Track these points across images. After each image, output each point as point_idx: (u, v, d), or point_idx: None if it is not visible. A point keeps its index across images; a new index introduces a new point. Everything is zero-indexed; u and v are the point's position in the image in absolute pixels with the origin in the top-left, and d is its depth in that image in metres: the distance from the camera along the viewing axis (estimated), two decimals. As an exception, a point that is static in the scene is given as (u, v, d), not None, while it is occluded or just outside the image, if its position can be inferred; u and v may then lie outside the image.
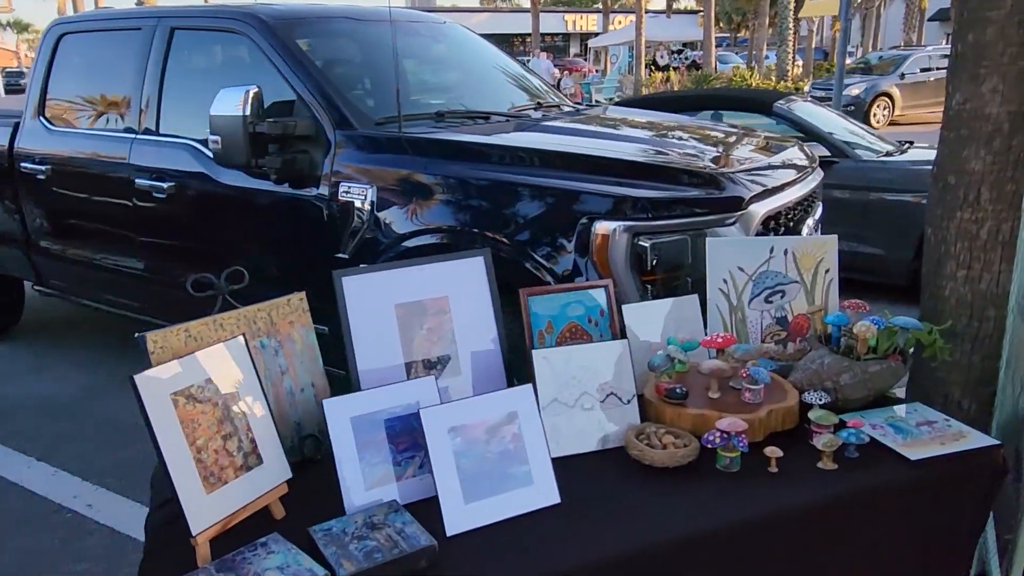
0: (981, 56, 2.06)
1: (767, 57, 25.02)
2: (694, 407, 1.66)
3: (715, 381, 1.71)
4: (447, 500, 1.36)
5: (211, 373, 1.35)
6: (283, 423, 1.56)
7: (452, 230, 2.62)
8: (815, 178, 3.21)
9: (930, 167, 2.26)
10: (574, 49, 47.73)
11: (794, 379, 1.77)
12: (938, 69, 16.07)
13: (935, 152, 2.25)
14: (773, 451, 1.53)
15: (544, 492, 1.43)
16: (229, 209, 3.24)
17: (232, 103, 2.83)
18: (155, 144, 3.49)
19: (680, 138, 3.22)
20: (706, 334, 1.91)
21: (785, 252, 1.97)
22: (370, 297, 1.66)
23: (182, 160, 3.34)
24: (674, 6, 40.32)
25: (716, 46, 26.28)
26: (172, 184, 3.36)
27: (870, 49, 31.09)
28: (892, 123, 16.13)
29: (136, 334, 1.38)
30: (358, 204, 2.83)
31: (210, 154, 3.04)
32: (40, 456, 3.40)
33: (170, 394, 1.27)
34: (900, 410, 1.75)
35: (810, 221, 3.10)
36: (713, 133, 3.40)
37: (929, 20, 32.42)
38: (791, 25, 19.69)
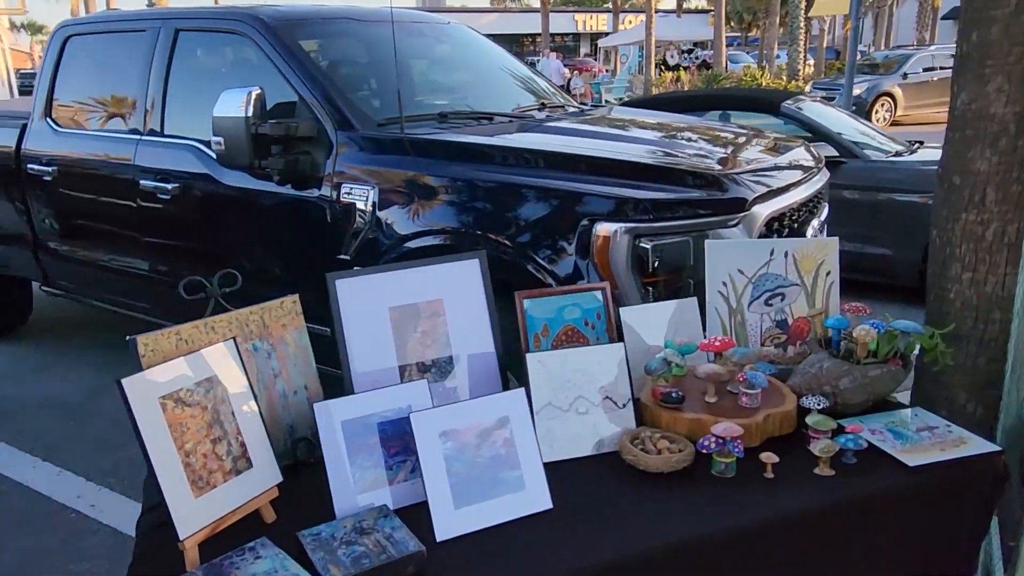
0: (986, 55, 2.03)
1: (778, 56, 24.89)
2: (690, 411, 1.64)
3: (712, 385, 1.69)
4: (437, 505, 1.35)
5: (201, 376, 1.34)
6: (276, 426, 1.56)
7: (454, 231, 2.61)
8: (821, 179, 3.18)
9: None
10: (584, 49, 47.66)
11: (793, 383, 1.75)
12: (941, 68, 15.86)
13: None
14: (769, 457, 1.51)
15: (536, 497, 1.42)
16: (232, 210, 3.24)
17: (235, 104, 2.84)
18: (159, 145, 3.50)
19: (684, 139, 3.20)
20: (705, 337, 1.89)
21: (785, 254, 1.95)
22: (364, 299, 1.65)
23: (186, 161, 3.35)
24: (684, 5, 40.22)
25: (727, 46, 26.18)
26: (176, 185, 3.37)
27: (882, 48, 30.85)
28: (895, 123, 15.97)
29: (127, 337, 1.38)
30: (360, 205, 2.83)
31: (213, 155, 3.04)
32: (45, 456, 3.42)
33: (158, 398, 1.27)
34: (901, 415, 1.73)
35: (815, 222, 3.07)
36: (718, 134, 3.37)
37: (943, 19, 32.12)
38: (802, 24, 19.57)
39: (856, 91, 14.78)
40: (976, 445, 1.58)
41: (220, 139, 2.88)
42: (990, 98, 2.04)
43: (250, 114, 2.82)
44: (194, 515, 1.26)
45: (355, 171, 2.86)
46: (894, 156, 5.15)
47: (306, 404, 1.61)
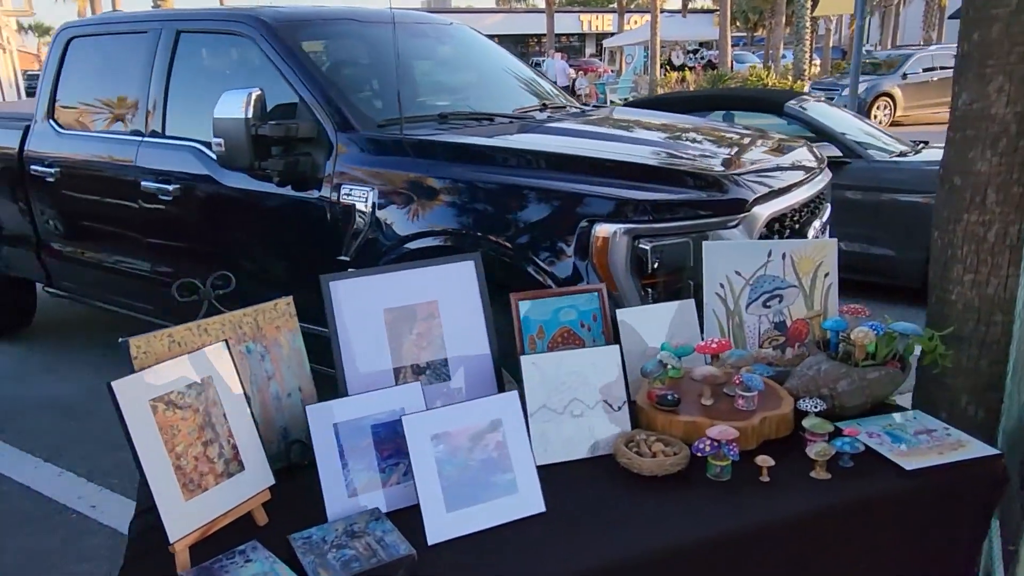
0: (987, 55, 2.02)
1: (784, 56, 24.80)
2: (686, 414, 1.63)
3: (708, 388, 1.68)
4: (428, 508, 1.34)
5: (192, 379, 1.34)
6: (269, 428, 1.56)
7: (455, 233, 2.61)
8: (823, 179, 3.16)
9: None
10: (590, 49, 47.62)
11: (790, 386, 1.74)
12: (942, 69, 15.66)
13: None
14: (765, 460, 1.50)
15: (528, 501, 1.41)
16: (233, 211, 3.25)
17: (235, 106, 2.84)
18: (161, 147, 3.51)
19: (685, 139, 3.18)
20: (703, 339, 1.88)
21: (783, 256, 1.93)
22: (358, 301, 1.64)
23: (187, 162, 3.36)
24: (690, 5, 40.12)
25: (732, 45, 26.11)
26: (177, 186, 3.37)
27: (888, 48, 30.73)
28: (894, 124, 15.83)
29: (120, 339, 1.37)
30: (360, 206, 2.83)
31: (214, 157, 3.04)
32: (47, 457, 3.43)
33: (149, 400, 1.26)
34: (899, 418, 1.71)
35: (817, 223, 3.05)
36: (719, 134, 3.36)
37: (949, 18, 31.95)
38: (808, 24, 19.50)
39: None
40: (975, 448, 1.57)
41: (220, 140, 2.88)
42: (991, 98, 2.02)
43: (250, 115, 2.82)
44: (185, 518, 1.26)
45: (355, 172, 2.86)
46: (898, 156, 5.13)
47: (300, 406, 1.60)
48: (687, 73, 21.32)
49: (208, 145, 3.18)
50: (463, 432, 1.40)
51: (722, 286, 1.93)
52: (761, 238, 2.50)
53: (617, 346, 1.69)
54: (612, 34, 39.50)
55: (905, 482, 1.50)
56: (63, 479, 3.25)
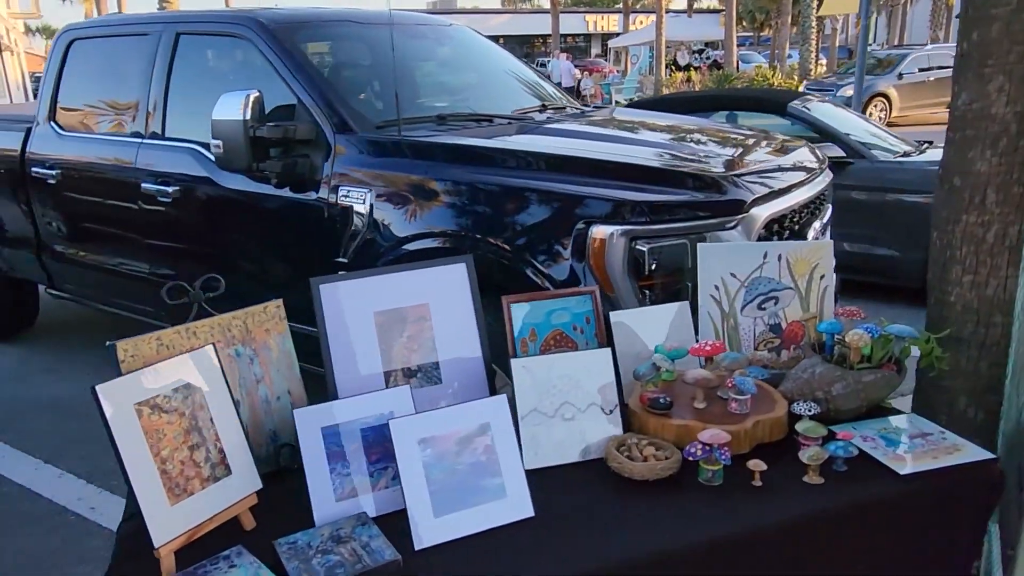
0: (986, 54, 2.00)
1: (790, 56, 24.74)
2: (678, 418, 1.62)
3: (701, 391, 1.66)
4: (416, 513, 1.33)
5: (179, 383, 1.33)
6: (258, 432, 1.55)
7: (452, 234, 2.60)
8: (823, 180, 3.14)
9: None
10: (595, 50, 47.58)
11: (785, 389, 1.72)
12: (939, 68, 15.46)
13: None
14: (757, 464, 1.49)
15: (517, 505, 1.40)
16: (231, 213, 3.25)
17: (233, 107, 2.84)
18: (161, 148, 3.51)
19: (684, 140, 3.17)
20: (697, 342, 1.87)
21: (779, 258, 1.92)
22: (349, 305, 1.63)
23: (187, 164, 3.36)
24: (696, 5, 40.06)
25: (738, 45, 26.05)
26: (177, 188, 3.37)
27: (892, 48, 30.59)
28: (890, 125, 15.66)
29: (107, 343, 1.37)
30: (357, 208, 2.82)
31: (213, 158, 3.05)
32: (47, 458, 3.43)
33: (134, 404, 1.26)
34: (895, 421, 1.70)
35: (817, 224, 3.03)
36: (719, 135, 3.34)
37: (956, 17, 31.79)
38: (814, 24, 19.44)
39: (849, 92, 14.20)
40: (970, 452, 1.55)
41: (219, 142, 2.88)
42: (991, 98, 2.01)
43: (248, 117, 2.82)
44: (170, 522, 1.26)
45: (353, 174, 2.85)
46: (902, 156, 5.10)
47: (289, 410, 1.59)
48: (692, 73, 21.27)
49: (207, 147, 3.18)
50: (451, 436, 1.39)
51: (717, 288, 1.92)
52: (760, 239, 2.49)
53: (609, 349, 1.68)
54: (617, 34, 39.43)
55: (900, 486, 1.48)
56: (63, 480, 3.25)
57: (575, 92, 20.81)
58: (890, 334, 1.70)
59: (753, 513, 1.42)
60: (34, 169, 4.02)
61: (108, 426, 1.21)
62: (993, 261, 2.07)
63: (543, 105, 3.79)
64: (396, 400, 1.47)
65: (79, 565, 2.70)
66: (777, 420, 1.62)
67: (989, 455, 1.56)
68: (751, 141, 3.24)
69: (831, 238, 3.52)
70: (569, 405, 1.60)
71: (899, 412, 1.78)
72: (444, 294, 1.71)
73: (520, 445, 1.52)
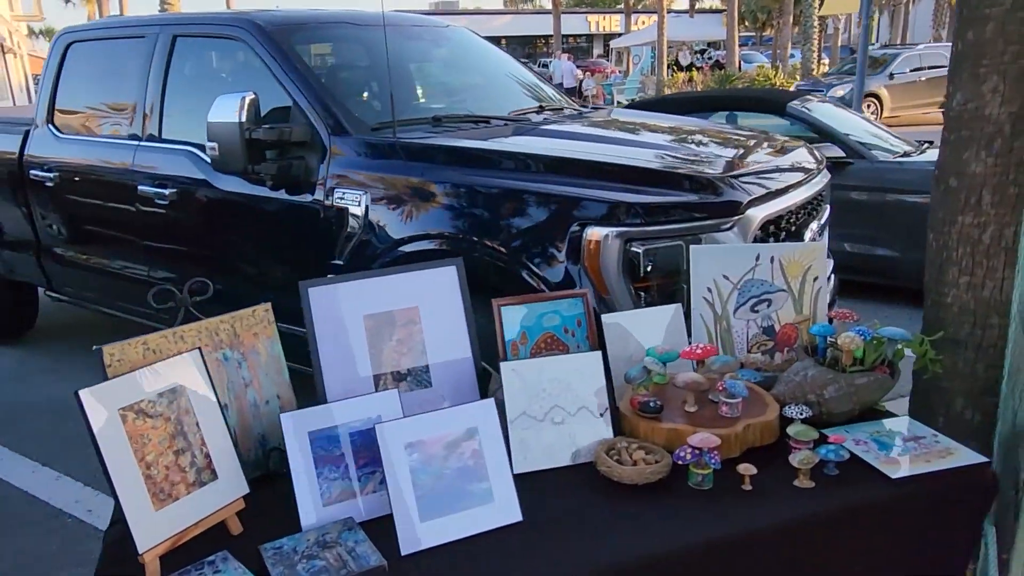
0: (981, 55, 1.99)
1: (792, 56, 24.70)
2: (669, 421, 1.61)
3: (691, 395, 1.65)
4: (401, 518, 1.32)
5: (164, 387, 1.33)
6: (247, 436, 1.54)
7: (449, 236, 2.59)
8: (821, 180, 3.12)
9: None
10: (597, 50, 47.54)
11: (777, 392, 1.71)
12: (930, 68, 15.28)
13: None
14: (747, 468, 1.48)
15: (505, 510, 1.39)
16: (228, 215, 3.25)
17: (229, 110, 2.84)
18: (157, 151, 3.51)
19: (680, 141, 3.16)
20: (690, 344, 1.86)
21: (771, 260, 1.91)
22: (338, 308, 1.63)
23: (183, 167, 3.36)
24: (697, 5, 40.01)
25: (740, 45, 26.02)
26: (174, 190, 3.37)
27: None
28: None
29: (94, 347, 1.37)
30: (353, 210, 2.82)
31: (209, 161, 3.04)
32: (45, 461, 3.43)
33: (119, 409, 1.25)
34: (888, 424, 1.68)
35: (814, 224, 3.01)
36: (716, 136, 3.33)
37: (960, 16, 31.61)
38: (816, 23, 19.40)
39: (840, 92, 13.96)
40: (963, 456, 1.54)
41: (215, 144, 2.88)
42: (985, 99, 2.00)
43: (244, 119, 2.81)
44: (154, 528, 1.25)
45: (348, 176, 2.85)
46: (902, 157, 5.08)
47: (278, 414, 1.59)
48: (694, 73, 21.24)
49: (203, 149, 3.18)
50: (438, 440, 1.38)
51: (710, 290, 1.90)
52: (756, 240, 2.47)
53: (599, 352, 1.67)
54: (619, 35, 39.41)
55: (891, 490, 1.47)
56: (61, 483, 3.25)
57: (577, 93, 20.79)
58: (882, 337, 1.68)
59: (743, 517, 1.41)
60: (32, 172, 4.02)
61: (91, 431, 1.21)
62: (989, 262, 2.06)
63: (540, 106, 3.78)
64: (384, 404, 1.47)
65: (76, 568, 2.70)
66: (768, 424, 1.61)
67: (982, 459, 1.54)
68: (748, 142, 3.23)
69: (830, 239, 3.51)
70: (559, 409, 1.59)
71: (893, 415, 1.77)
72: (434, 297, 1.70)
73: (509, 449, 1.51)
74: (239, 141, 2.82)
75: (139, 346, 1.40)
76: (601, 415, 1.62)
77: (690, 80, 20.31)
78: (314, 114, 2.97)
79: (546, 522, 1.42)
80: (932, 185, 2.19)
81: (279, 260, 3.15)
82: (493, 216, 2.53)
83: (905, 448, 1.58)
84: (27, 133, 4.12)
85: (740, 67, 23.09)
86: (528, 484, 1.50)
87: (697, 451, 1.47)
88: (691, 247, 1.96)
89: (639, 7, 43.86)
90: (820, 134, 5.08)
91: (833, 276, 3.40)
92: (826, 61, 25.36)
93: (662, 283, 2.35)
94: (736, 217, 2.43)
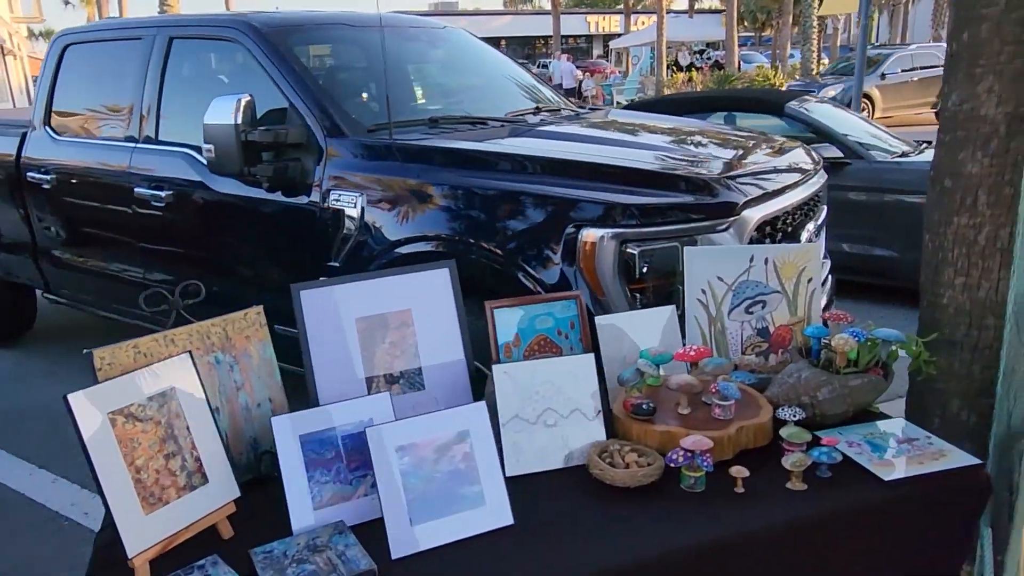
0: (976, 55, 1.99)
1: (792, 56, 24.69)
2: (662, 423, 1.60)
3: (685, 397, 1.65)
4: (392, 522, 1.32)
5: (154, 391, 1.33)
6: (239, 440, 1.54)
7: (445, 238, 2.59)
8: (818, 181, 3.12)
9: None
10: (597, 51, 47.54)
11: (770, 394, 1.71)
12: (922, 68, 15.16)
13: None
14: (739, 471, 1.47)
15: (496, 513, 1.38)
16: (224, 217, 3.24)
17: (225, 112, 2.83)
18: (154, 153, 3.51)
19: (676, 142, 3.15)
20: (684, 346, 1.85)
21: (766, 261, 1.90)
22: (330, 310, 1.62)
23: (179, 168, 3.36)
24: (697, 6, 40.01)
25: (740, 45, 26.01)
26: (170, 192, 3.37)
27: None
28: None
29: (84, 350, 1.36)
30: (349, 211, 2.82)
31: (205, 163, 3.04)
32: (42, 463, 3.43)
33: (108, 413, 1.25)
34: (882, 426, 1.68)
35: (811, 225, 3.01)
36: (712, 137, 3.32)
37: (960, 15, 31.57)
38: (815, 23, 19.40)
39: (831, 92, 13.86)
40: (956, 458, 1.53)
41: (211, 146, 2.88)
42: (981, 99, 1.99)
43: (240, 121, 2.81)
44: (144, 532, 1.25)
45: (344, 177, 2.85)
46: (900, 157, 5.07)
47: (270, 417, 1.58)
48: (694, 74, 21.23)
49: (200, 151, 3.18)
50: (429, 443, 1.38)
51: (704, 292, 1.90)
52: (752, 241, 2.47)
53: (592, 355, 1.66)
54: (619, 35, 39.39)
55: (884, 493, 1.46)
56: (57, 486, 3.25)
57: (577, 93, 20.80)
58: (876, 338, 1.68)
59: (735, 520, 1.41)
60: (30, 174, 4.02)
61: (80, 435, 1.21)
62: (985, 263, 2.06)
63: (537, 107, 3.77)
64: (376, 407, 1.46)
65: (73, 571, 2.69)
66: (761, 426, 1.61)
67: (975, 460, 1.54)
68: (745, 142, 3.23)
69: (828, 239, 3.51)
70: (552, 411, 1.58)
71: (887, 417, 1.76)
72: (427, 299, 1.70)
73: (502, 452, 1.51)
74: (235, 143, 2.82)
75: (130, 349, 1.39)
76: (594, 418, 1.61)
77: (689, 80, 20.31)
78: (310, 116, 2.97)
79: (538, 525, 1.41)
80: (928, 186, 2.19)
81: (275, 262, 3.15)
82: (489, 218, 2.52)
83: (898, 450, 1.57)
84: (24, 135, 4.12)
85: (739, 67, 23.07)
86: (521, 487, 1.49)
87: (689, 454, 1.46)
88: (685, 249, 1.96)
89: (638, 7, 43.87)
90: (818, 134, 5.07)
91: (830, 277, 3.40)
92: (825, 61, 25.34)
93: (658, 284, 2.34)
94: (732, 218, 2.43)
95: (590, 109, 4.24)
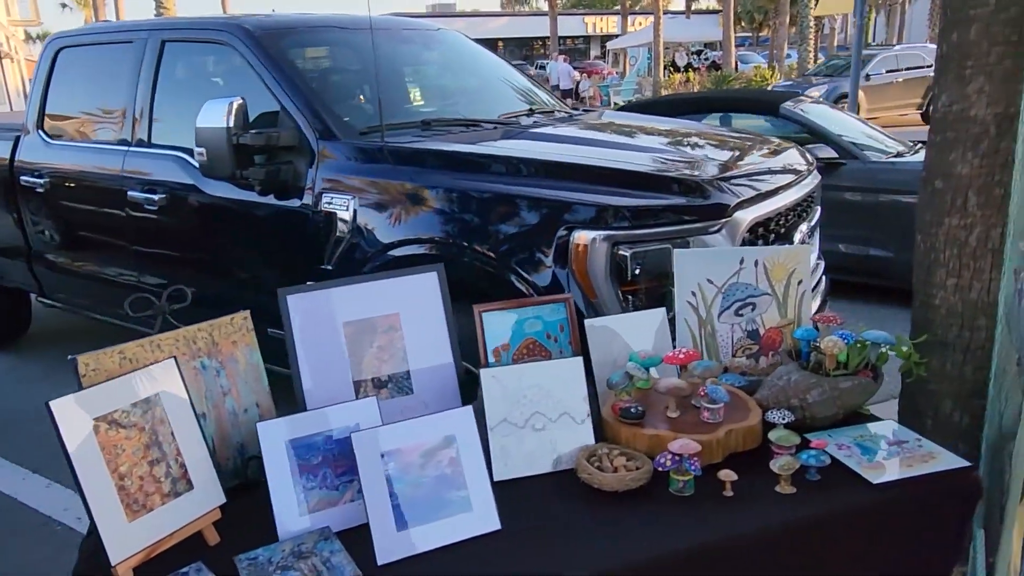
0: (966, 56, 1.98)
1: (789, 56, 24.70)
2: (650, 427, 1.60)
3: (673, 400, 1.64)
4: (378, 528, 1.31)
5: (138, 397, 1.32)
6: (225, 445, 1.53)
7: (440, 241, 2.58)
8: (811, 182, 3.11)
9: None
10: (595, 52, 47.55)
11: (760, 396, 1.70)
12: (907, 69, 15.11)
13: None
14: (728, 474, 1.47)
15: (483, 518, 1.38)
16: (217, 221, 3.24)
17: (217, 115, 2.83)
18: (147, 156, 3.50)
19: (669, 144, 3.15)
20: (675, 348, 1.85)
21: (756, 263, 1.89)
22: (317, 315, 1.62)
23: (172, 172, 3.35)
24: (694, 6, 40.04)
25: (737, 46, 26.03)
26: (163, 196, 3.36)
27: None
28: None
29: (68, 356, 1.36)
30: (341, 214, 2.81)
31: (197, 166, 3.04)
32: (36, 468, 3.42)
33: (91, 420, 1.24)
34: (872, 428, 1.67)
35: (804, 226, 3.00)
36: (706, 138, 3.32)
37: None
38: (811, 23, 19.42)
39: (815, 93, 13.71)
40: (945, 460, 1.53)
41: (203, 150, 2.88)
42: (971, 100, 1.99)
43: (231, 124, 2.81)
44: (128, 539, 1.24)
45: (337, 180, 2.84)
46: (895, 157, 5.07)
47: (257, 422, 1.58)
48: (691, 74, 21.25)
49: (192, 154, 3.17)
50: (415, 448, 1.37)
51: (694, 294, 1.89)
52: (745, 243, 2.47)
53: (580, 358, 1.65)
54: (616, 36, 39.42)
55: (873, 495, 1.46)
56: (51, 491, 3.24)
57: (574, 94, 20.81)
58: (865, 340, 1.67)
59: (724, 524, 1.40)
60: (23, 178, 4.01)
61: (63, 443, 1.20)
62: (976, 264, 2.05)
63: (531, 109, 3.77)
64: (363, 412, 1.45)
65: (64, 576, 2.68)
66: (751, 429, 1.60)
67: (964, 463, 1.53)
68: (738, 144, 3.22)
69: (823, 240, 3.51)
70: (540, 415, 1.57)
71: (877, 419, 1.76)
72: (415, 303, 1.69)
73: (489, 456, 1.50)
74: (227, 146, 2.81)
75: (115, 355, 1.39)
76: (582, 421, 1.60)
77: (687, 81, 20.32)
78: (302, 119, 2.97)
79: (526, 530, 1.41)
80: (919, 187, 2.19)
81: (268, 265, 3.14)
82: (481, 220, 2.52)
83: (888, 453, 1.57)
84: (17, 139, 4.11)
85: (737, 68, 23.10)
86: (509, 492, 1.49)
87: (677, 457, 1.46)
88: (675, 251, 1.95)
89: (636, 8, 43.91)
90: (813, 135, 5.07)
91: (824, 278, 3.40)
92: (822, 61, 25.37)
93: (650, 286, 2.34)
94: (724, 220, 2.42)
95: (584, 111, 4.24)
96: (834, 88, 15.03)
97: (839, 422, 1.69)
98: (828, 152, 4.90)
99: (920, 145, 5.44)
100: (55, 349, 4.83)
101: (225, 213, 3.17)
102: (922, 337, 1.97)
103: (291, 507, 1.37)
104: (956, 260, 2.09)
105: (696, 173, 2.61)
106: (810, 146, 4.67)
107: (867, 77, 15.23)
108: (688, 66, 24.18)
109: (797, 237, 2.92)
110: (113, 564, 1.22)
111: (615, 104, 16.94)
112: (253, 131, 2.85)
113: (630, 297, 2.34)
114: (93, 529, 1.45)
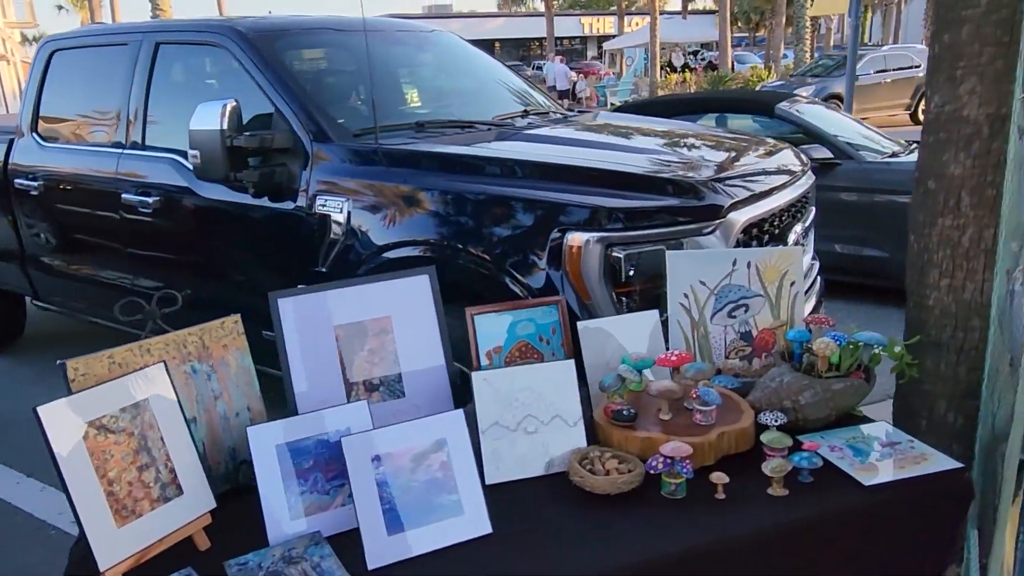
0: (958, 57, 1.98)
1: (785, 56, 24.71)
2: (643, 429, 1.59)
3: (665, 402, 1.64)
4: (368, 532, 1.31)
5: (127, 402, 1.31)
6: (217, 449, 1.53)
7: (434, 243, 2.58)
8: (805, 182, 3.11)
9: None
10: (591, 52, 47.58)
11: (752, 398, 1.70)
12: (895, 70, 15.06)
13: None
14: (720, 477, 1.46)
15: (474, 522, 1.37)
16: (211, 223, 3.23)
17: (210, 117, 2.82)
18: (141, 159, 3.49)
19: (663, 145, 3.14)
20: (667, 351, 1.84)
21: (748, 265, 1.89)
22: (308, 318, 1.61)
23: (166, 174, 3.35)
24: (690, 7, 40.06)
25: (734, 46, 26.05)
26: (157, 198, 3.36)
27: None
28: None
29: (57, 361, 1.35)
30: (335, 217, 2.81)
31: (191, 168, 3.03)
32: (30, 472, 3.41)
33: (80, 425, 1.24)
34: (864, 430, 1.67)
35: (798, 227, 3.00)
36: (700, 139, 3.32)
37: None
38: (808, 24, 19.45)
39: (803, 94, 14.12)
40: (937, 462, 1.53)
41: (196, 152, 2.87)
42: (963, 100, 1.99)
43: (225, 127, 2.80)
44: (117, 545, 1.23)
45: (331, 182, 2.83)
46: (890, 157, 5.08)
47: (248, 426, 1.57)
48: (688, 75, 21.27)
49: (186, 156, 3.17)
50: (406, 452, 1.37)
51: (686, 296, 1.89)
52: (739, 244, 2.47)
53: (572, 361, 1.65)
54: (613, 37, 39.43)
55: (865, 497, 1.46)
56: (45, 495, 3.23)
57: (571, 95, 20.83)
58: (858, 342, 1.67)
59: (716, 526, 1.40)
60: (17, 180, 4.00)
61: (51, 448, 1.19)
62: (969, 264, 2.05)
63: (525, 110, 3.77)
64: (354, 415, 1.45)
65: (58, 580, 2.67)
66: (743, 431, 1.60)
67: (956, 464, 1.53)
68: (732, 144, 3.22)
69: (818, 240, 3.51)
70: (532, 418, 1.57)
71: (870, 420, 1.76)
72: (407, 306, 1.69)
73: (481, 460, 1.50)
74: (220, 148, 2.80)
75: (104, 360, 1.38)
76: (574, 424, 1.60)
77: (683, 82, 20.34)
78: (296, 121, 2.96)
79: (517, 533, 1.40)
80: (912, 187, 2.19)
81: (263, 268, 3.14)
82: (475, 222, 2.52)
83: (880, 454, 1.56)
84: (11, 142, 4.10)
85: (733, 68, 23.11)
86: (500, 495, 1.48)
87: (669, 460, 1.45)
88: (667, 253, 1.95)
89: (632, 9, 43.92)
90: (808, 135, 5.08)
91: (819, 278, 3.40)
92: (819, 61, 25.40)
93: (644, 288, 2.34)
94: (718, 221, 2.42)
95: (579, 112, 4.23)
96: (823, 88, 15.04)
97: (832, 424, 1.69)
98: (824, 152, 4.90)
99: (915, 145, 5.45)
100: (50, 352, 4.82)
101: (219, 215, 3.17)
102: (916, 338, 1.97)
103: (282, 511, 1.37)
104: (949, 261, 2.09)
105: (690, 174, 2.61)
106: (806, 146, 4.67)
107: (855, 77, 15.27)
108: (684, 67, 24.20)
109: (791, 238, 2.92)
110: (102, 570, 1.21)
111: (611, 105, 16.96)
112: (247, 133, 2.84)
113: (624, 299, 2.34)
114: (82, 534, 1.44)
